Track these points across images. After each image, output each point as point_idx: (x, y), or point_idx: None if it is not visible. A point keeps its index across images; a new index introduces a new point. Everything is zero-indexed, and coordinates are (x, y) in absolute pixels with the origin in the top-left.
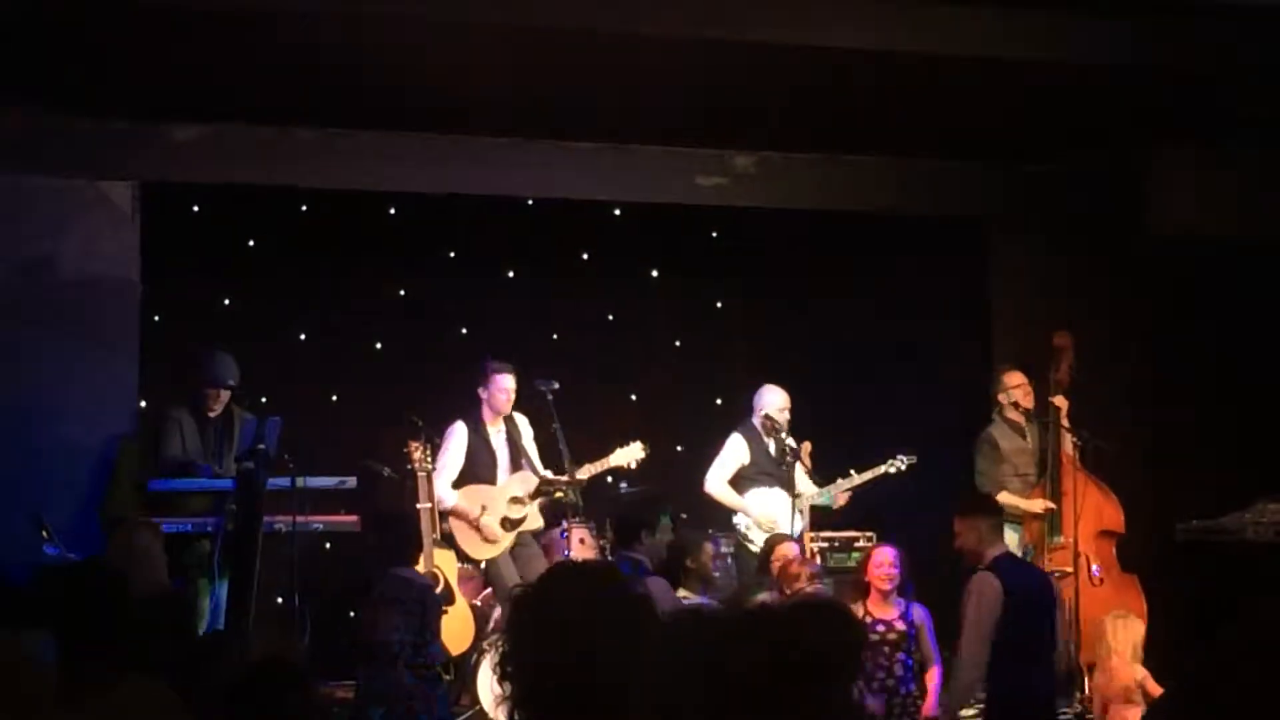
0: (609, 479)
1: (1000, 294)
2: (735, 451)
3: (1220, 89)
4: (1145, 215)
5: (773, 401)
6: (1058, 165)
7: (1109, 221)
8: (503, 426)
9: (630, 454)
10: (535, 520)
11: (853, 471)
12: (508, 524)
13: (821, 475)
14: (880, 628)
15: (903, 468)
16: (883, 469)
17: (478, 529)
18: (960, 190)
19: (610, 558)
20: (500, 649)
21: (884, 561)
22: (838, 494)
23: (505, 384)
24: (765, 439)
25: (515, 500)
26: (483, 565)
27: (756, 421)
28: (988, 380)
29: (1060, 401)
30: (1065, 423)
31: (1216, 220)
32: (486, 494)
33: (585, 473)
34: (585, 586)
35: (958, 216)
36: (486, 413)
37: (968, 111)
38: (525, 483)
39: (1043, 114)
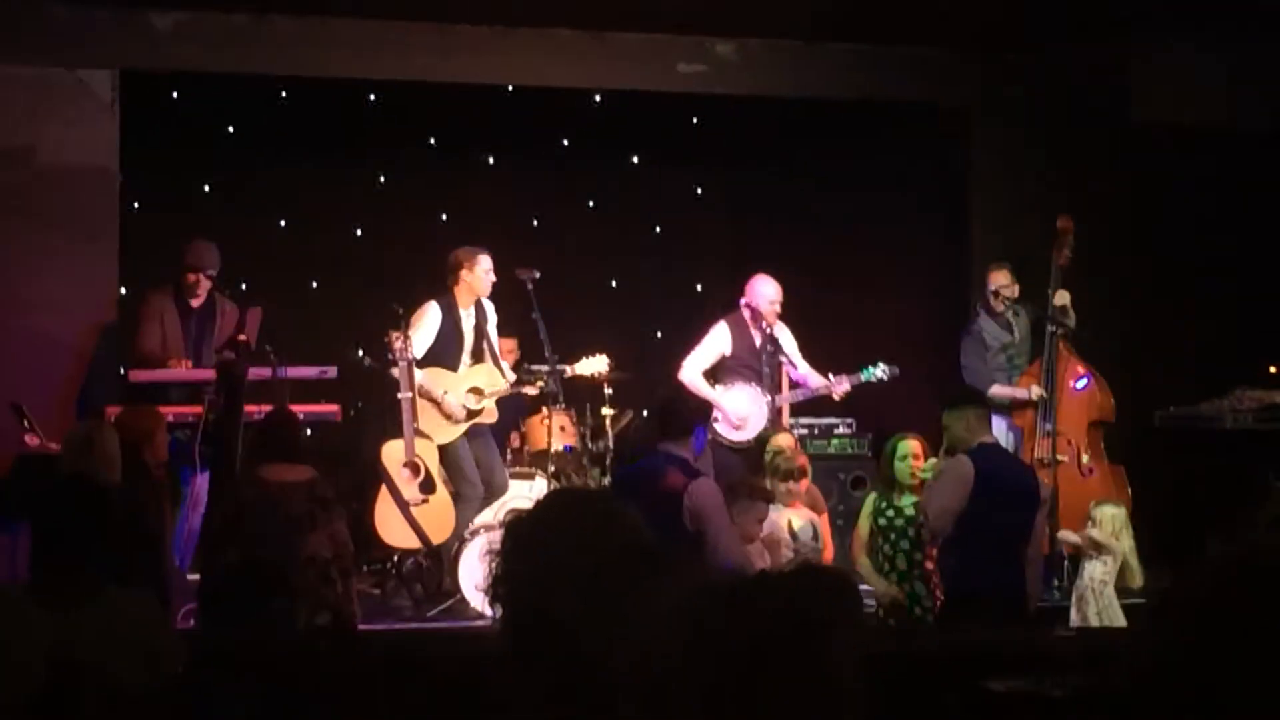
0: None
1: (980, 182)
2: (717, 340)
3: None
4: (1128, 104)
5: (763, 293)
6: (1040, 53)
7: (1091, 110)
8: (473, 311)
9: (594, 365)
10: (491, 415)
11: (831, 375)
12: (466, 413)
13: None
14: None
15: (884, 377)
16: (863, 377)
17: (439, 407)
18: (941, 78)
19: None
20: (493, 571)
21: (909, 453)
22: (825, 391)
23: (488, 264)
24: (751, 331)
25: (474, 390)
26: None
27: (745, 312)
28: (967, 271)
29: (1061, 299)
30: (1067, 313)
31: (1200, 109)
32: (449, 379)
33: (544, 382)
34: (586, 521)
35: (938, 104)
36: (462, 296)
37: None
38: (490, 377)
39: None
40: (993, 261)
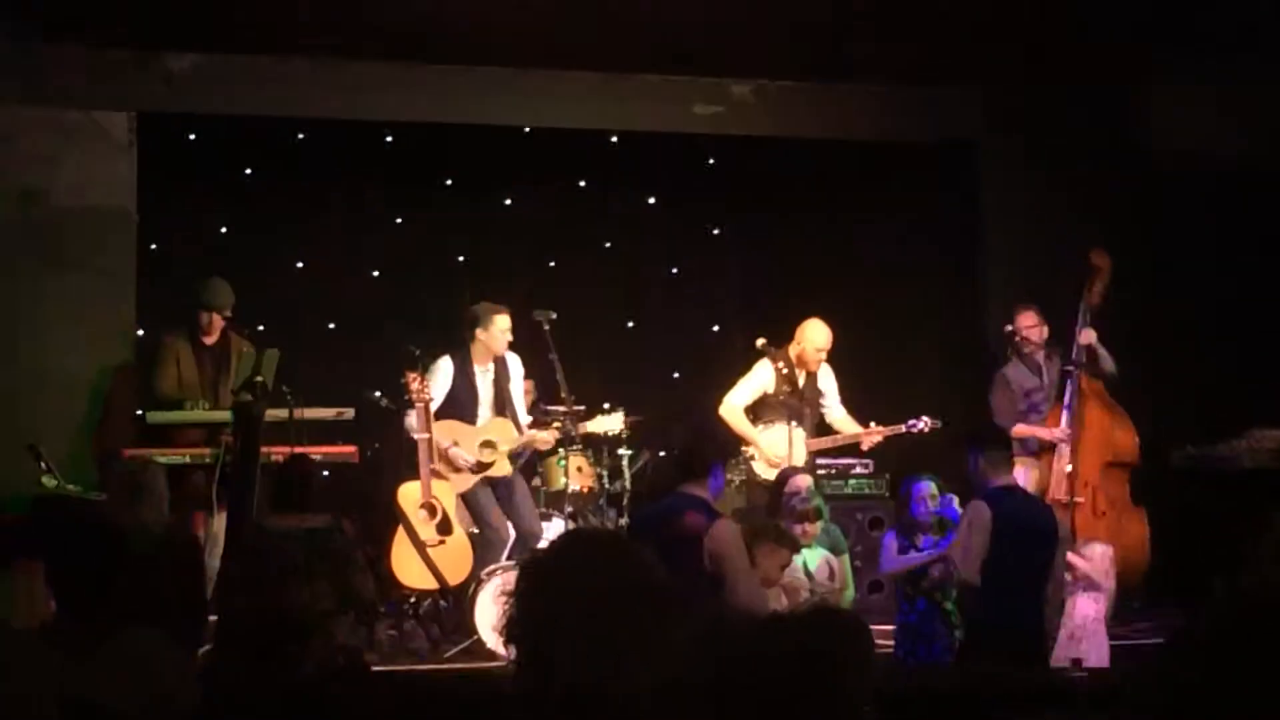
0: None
1: (994, 219)
2: (760, 377)
3: (1221, 8)
4: (1145, 140)
5: (812, 338)
6: (1054, 92)
7: (1107, 146)
8: (491, 368)
9: (608, 423)
10: (503, 468)
11: (873, 423)
12: (476, 466)
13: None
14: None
15: (925, 429)
16: (903, 428)
17: (445, 459)
18: (956, 117)
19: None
20: (508, 612)
21: (921, 496)
22: (861, 440)
23: (505, 324)
24: (795, 371)
25: (487, 444)
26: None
27: (793, 353)
28: (983, 310)
29: (1087, 338)
30: (1098, 347)
31: (1218, 146)
32: (461, 430)
33: (556, 434)
34: (599, 564)
35: (953, 141)
36: (478, 353)
37: (966, 38)
38: (503, 432)
39: (1039, 35)
40: (1019, 302)
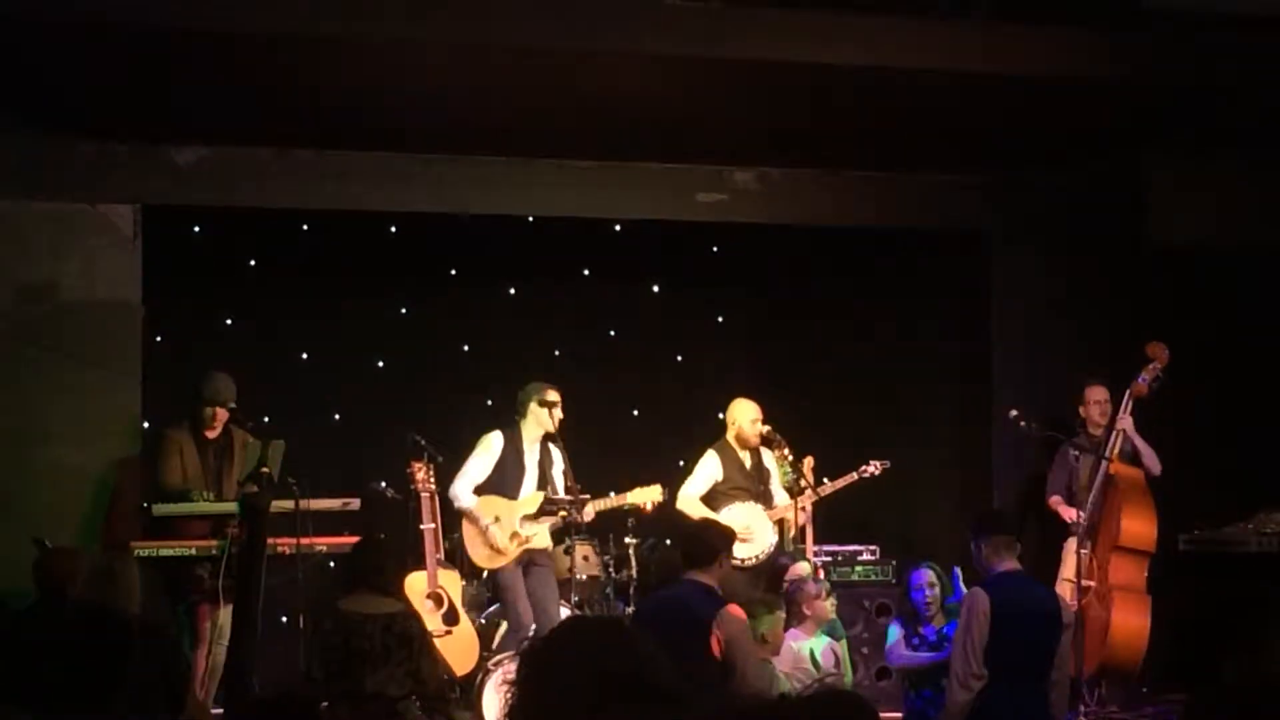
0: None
1: (1001, 304)
2: (707, 468)
3: (1220, 99)
4: (1148, 225)
5: (743, 414)
6: (1057, 178)
7: (1111, 232)
8: (538, 449)
9: (648, 494)
10: (543, 540)
11: (825, 480)
12: (516, 539)
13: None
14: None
15: (876, 472)
16: (855, 475)
17: (484, 536)
18: (959, 202)
19: (668, 581)
20: (508, 702)
21: (920, 584)
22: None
23: (555, 399)
24: (740, 453)
25: (528, 518)
26: (485, 575)
27: (730, 437)
28: (989, 393)
29: (1125, 423)
30: (1135, 438)
31: (1220, 229)
32: (503, 506)
33: (599, 506)
34: (599, 648)
35: (958, 230)
36: (528, 430)
37: (967, 125)
38: (538, 504)
39: (1041, 127)
40: (1091, 377)
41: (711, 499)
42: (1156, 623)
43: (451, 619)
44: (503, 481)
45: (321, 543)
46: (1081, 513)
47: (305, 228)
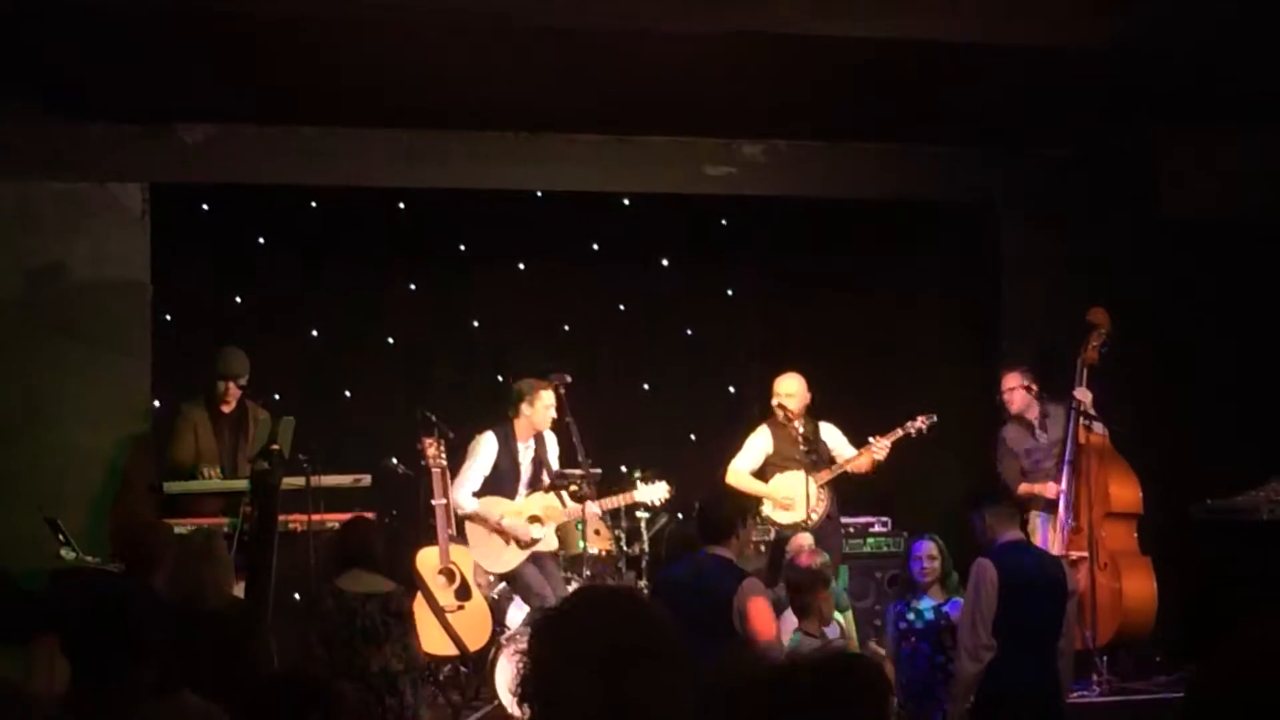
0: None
1: (1010, 277)
2: (759, 442)
3: (1227, 69)
4: (1156, 197)
5: (784, 389)
6: (1067, 147)
7: (1119, 204)
8: (532, 444)
9: (654, 492)
10: (551, 542)
11: (874, 436)
12: (529, 536)
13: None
14: (918, 624)
15: (923, 429)
16: (900, 431)
17: (499, 533)
18: (967, 174)
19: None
20: (520, 671)
21: (919, 555)
22: (867, 456)
23: (550, 400)
24: (790, 426)
25: (534, 519)
26: (493, 578)
27: (779, 412)
28: (998, 366)
29: (1082, 395)
30: (1088, 413)
31: (1228, 201)
32: (506, 506)
33: (605, 505)
34: (610, 616)
35: (965, 202)
36: (521, 428)
37: (974, 97)
38: (548, 506)
39: (1049, 97)
40: (1004, 364)
41: (763, 471)
42: (1167, 592)
43: (464, 594)
44: (499, 483)
45: (333, 519)
46: (1060, 487)
47: (314, 205)
